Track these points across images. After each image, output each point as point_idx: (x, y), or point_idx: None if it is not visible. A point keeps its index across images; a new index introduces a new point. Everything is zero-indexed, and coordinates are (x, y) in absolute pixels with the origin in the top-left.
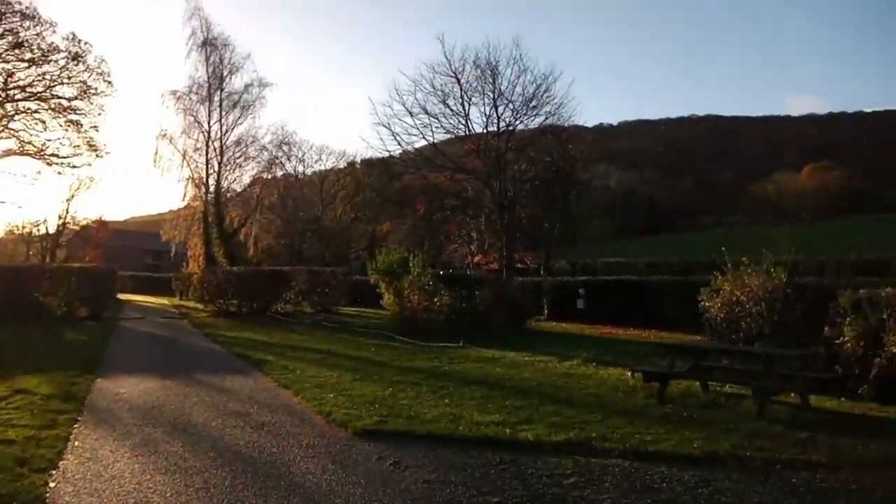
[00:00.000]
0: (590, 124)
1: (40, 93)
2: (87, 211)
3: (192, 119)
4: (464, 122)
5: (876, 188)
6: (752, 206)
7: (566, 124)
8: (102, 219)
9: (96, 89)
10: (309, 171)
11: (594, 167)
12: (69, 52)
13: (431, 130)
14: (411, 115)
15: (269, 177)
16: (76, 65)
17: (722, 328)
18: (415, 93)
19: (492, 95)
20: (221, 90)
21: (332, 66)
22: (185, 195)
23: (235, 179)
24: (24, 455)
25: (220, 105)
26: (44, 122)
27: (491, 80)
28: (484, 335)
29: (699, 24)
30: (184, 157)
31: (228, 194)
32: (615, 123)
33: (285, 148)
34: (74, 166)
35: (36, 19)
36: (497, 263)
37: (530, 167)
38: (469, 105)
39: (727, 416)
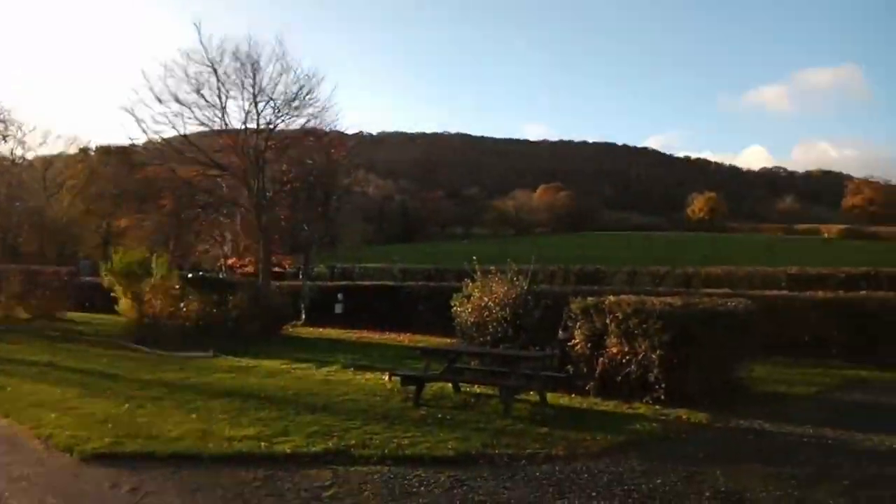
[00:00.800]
0: (351, 131)
1: None
2: None
3: None
4: (220, 115)
5: (595, 208)
6: (495, 219)
7: (328, 128)
8: None
9: None
10: (30, 155)
11: (355, 173)
12: None
13: (183, 121)
14: (160, 102)
15: None
16: None
17: (472, 332)
18: (165, 79)
19: (252, 91)
20: None
21: (63, 38)
22: None
23: None
24: None
25: None
26: None
27: (251, 75)
28: (237, 343)
29: (454, 48)
30: None
31: None
32: (375, 133)
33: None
34: None
35: None
36: (253, 267)
37: (291, 168)
38: (226, 98)
39: (477, 415)
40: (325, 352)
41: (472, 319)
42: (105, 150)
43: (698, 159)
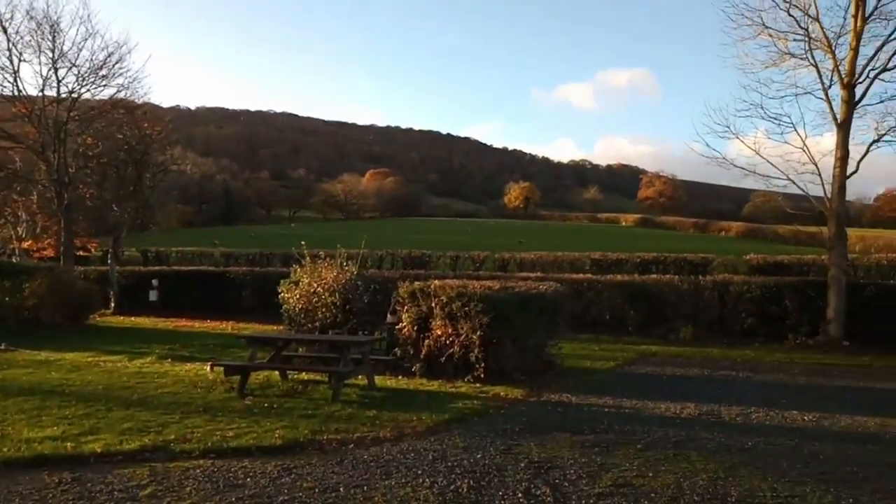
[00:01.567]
0: (166, 105)
1: None
2: None
3: None
4: (11, 79)
5: (420, 194)
6: (323, 202)
7: (140, 101)
8: None
9: None
10: None
11: (171, 150)
12: None
13: None
14: None
15: None
16: None
17: (300, 318)
18: None
19: (51, 55)
20: None
21: None
22: None
23: None
24: None
25: None
26: None
27: (51, 38)
28: (35, 334)
29: (274, 22)
30: None
31: None
32: (193, 107)
33: None
34: None
35: None
36: (53, 250)
37: (98, 143)
38: (20, 61)
39: (305, 402)
40: (138, 342)
41: (300, 306)
42: None
43: (515, 150)
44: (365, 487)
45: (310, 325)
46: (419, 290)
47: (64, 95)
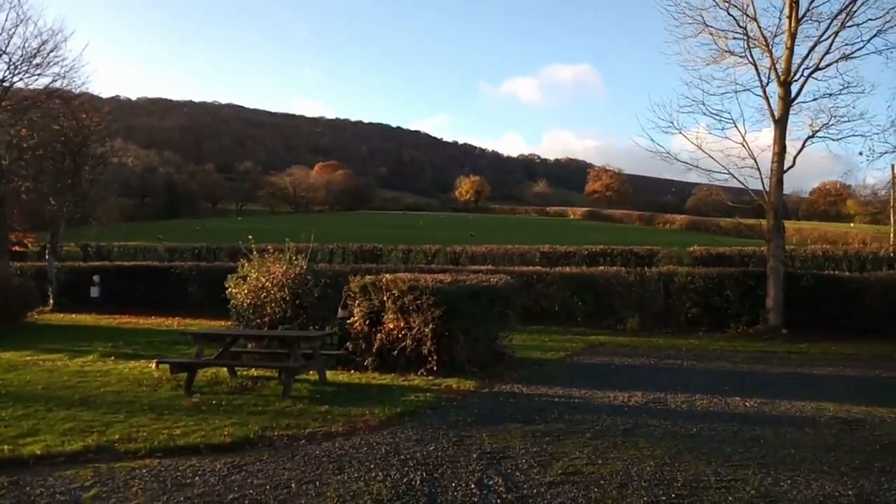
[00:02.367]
0: (105, 95)
1: None
2: None
3: None
4: None
5: (370, 188)
6: (271, 195)
7: (78, 91)
8: None
9: None
10: None
11: (111, 142)
12: None
13: None
14: None
15: None
16: None
17: (249, 314)
18: None
19: None
20: None
21: None
22: None
23: None
24: None
25: None
26: None
27: None
28: None
29: (219, 12)
30: None
31: None
32: (134, 98)
33: None
34: None
35: None
36: None
37: (33, 134)
38: None
39: (255, 399)
40: (79, 340)
41: (248, 301)
42: None
43: (465, 144)
44: (317, 483)
45: (259, 321)
46: (371, 283)
47: None
